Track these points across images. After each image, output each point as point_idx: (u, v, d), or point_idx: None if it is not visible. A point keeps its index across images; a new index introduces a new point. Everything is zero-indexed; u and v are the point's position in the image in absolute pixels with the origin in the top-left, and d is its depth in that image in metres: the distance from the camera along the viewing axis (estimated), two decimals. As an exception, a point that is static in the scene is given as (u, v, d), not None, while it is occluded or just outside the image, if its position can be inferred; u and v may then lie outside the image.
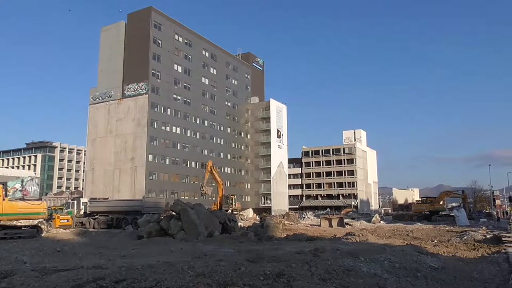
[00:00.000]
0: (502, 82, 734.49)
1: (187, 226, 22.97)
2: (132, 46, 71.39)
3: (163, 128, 71.68)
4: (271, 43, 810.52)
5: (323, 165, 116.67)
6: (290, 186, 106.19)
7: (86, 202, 41.84)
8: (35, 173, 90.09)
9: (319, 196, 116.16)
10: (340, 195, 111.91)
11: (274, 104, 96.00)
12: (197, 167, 75.19)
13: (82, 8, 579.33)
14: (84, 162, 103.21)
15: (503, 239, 20.47)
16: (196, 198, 52.81)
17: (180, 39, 77.65)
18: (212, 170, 40.40)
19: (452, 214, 50.96)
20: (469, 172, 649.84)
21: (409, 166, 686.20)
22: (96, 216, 37.09)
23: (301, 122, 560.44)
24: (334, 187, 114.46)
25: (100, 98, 73.44)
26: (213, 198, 51.63)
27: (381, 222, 47.80)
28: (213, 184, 43.82)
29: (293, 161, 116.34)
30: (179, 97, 75.86)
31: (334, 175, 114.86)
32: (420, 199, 75.36)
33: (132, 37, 71.80)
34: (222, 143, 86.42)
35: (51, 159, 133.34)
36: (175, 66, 75.69)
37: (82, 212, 40.15)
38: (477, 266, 12.87)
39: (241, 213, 55.65)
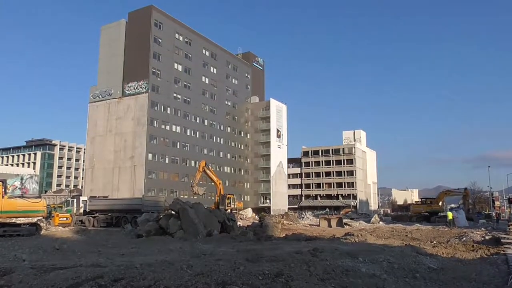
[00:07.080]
0: (502, 83, 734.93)
1: (186, 225, 22.96)
2: (132, 44, 71.38)
3: (163, 127, 71.69)
4: (272, 43, 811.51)
5: (322, 165, 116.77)
6: (289, 186, 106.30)
7: (85, 201, 41.90)
8: (34, 171, 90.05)
9: (318, 196, 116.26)
10: (340, 195, 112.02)
11: (274, 104, 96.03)
12: (197, 166, 74.81)
13: (83, 5, 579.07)
14: (83, 160, 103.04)
15: (502, 240, 20.49)
16: (195, 197, 52.81)
17: (181, 38, 77.64)
18: (205, 170, 39.99)
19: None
20: (468, 174, 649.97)
21: (409, 167, 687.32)
22: (95, 215, 37.18)
23: (301, 122, 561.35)
24: (334, 187, 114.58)
25: (100, 96, 73.45)
26: (212, 198, 51.68)
27: (380, 222, 47.89)
28: (211, 184, 43.79)
29: (292, 161, 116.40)
30: (179, 96, 75.85)
31: (333, 175, 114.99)
32: (420, 199, 75.23)
33: (133, 36, 71.78)
34: (221, 142, 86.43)
35: (51, 157, 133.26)
36: (175, 65, 75.68)
37: (81, 210, 40.20)
38: (475, 267, 12.86)
39: (240, 212, 55.57)
